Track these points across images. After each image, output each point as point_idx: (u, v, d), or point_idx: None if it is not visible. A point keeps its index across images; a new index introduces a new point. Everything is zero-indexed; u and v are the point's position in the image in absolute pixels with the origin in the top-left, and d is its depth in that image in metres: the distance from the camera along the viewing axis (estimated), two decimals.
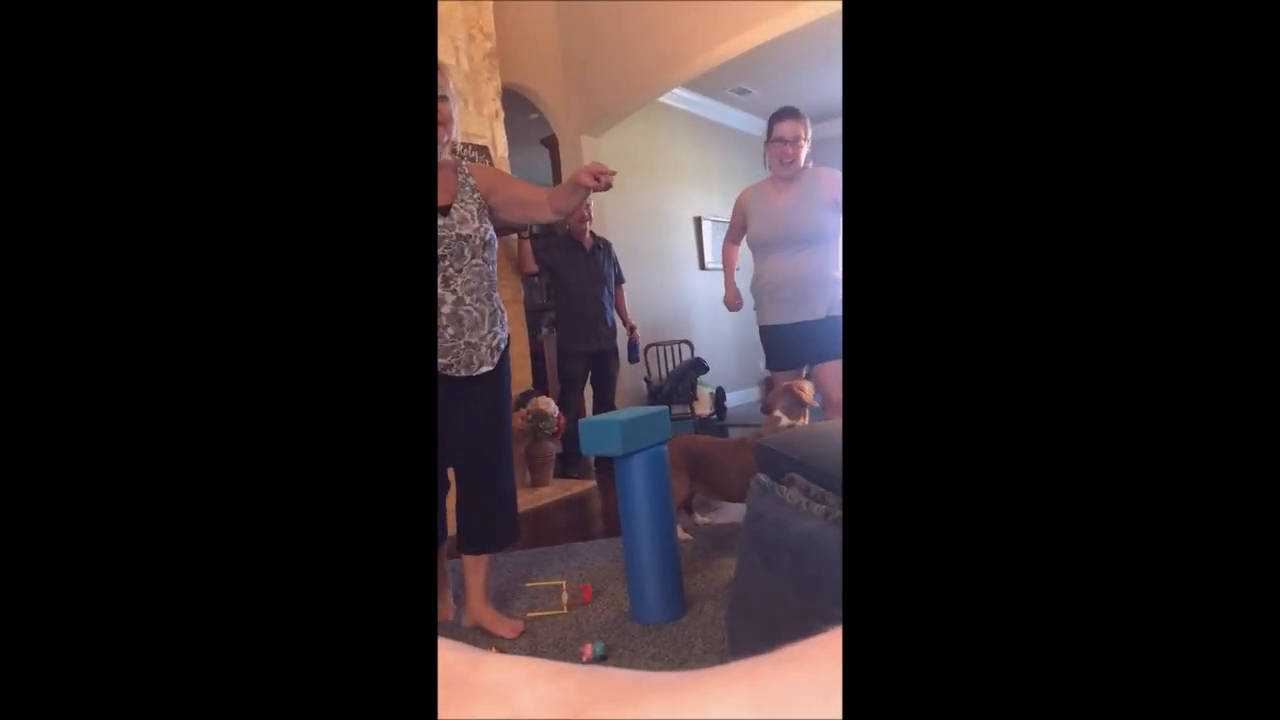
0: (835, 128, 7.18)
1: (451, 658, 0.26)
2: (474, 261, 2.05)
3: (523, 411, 3.84)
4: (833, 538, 1.45)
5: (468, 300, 2.03)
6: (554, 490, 3.97)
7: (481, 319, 2.06)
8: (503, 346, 2.14)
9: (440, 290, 2.00)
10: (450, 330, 2.01)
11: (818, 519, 1.52)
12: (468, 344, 2.03)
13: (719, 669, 0.23)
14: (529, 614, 2.33)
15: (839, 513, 1.50)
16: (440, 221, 2.00)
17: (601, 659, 1.96)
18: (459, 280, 2.02)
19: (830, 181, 2.74)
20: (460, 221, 2.02)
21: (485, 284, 2.08)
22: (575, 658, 1.99)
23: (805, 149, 2.81)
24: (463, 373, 2.04)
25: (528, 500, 3.77)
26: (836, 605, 1.39)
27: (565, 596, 2.43)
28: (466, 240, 2.02)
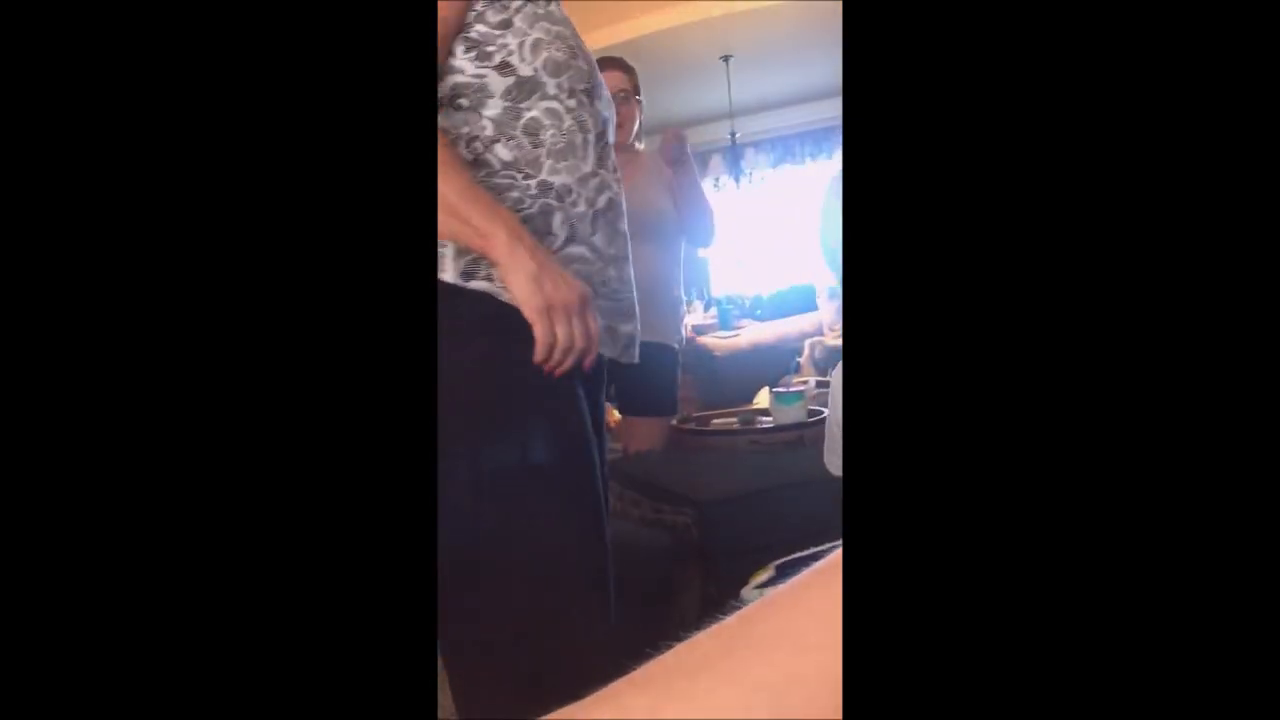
0: (703, 134, 6.57)
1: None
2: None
3: None
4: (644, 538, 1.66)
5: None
6: None
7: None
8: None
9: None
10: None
11: (633, 521, 1.75)
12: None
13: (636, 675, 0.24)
14: None
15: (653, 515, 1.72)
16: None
17: None
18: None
19: (665, 156, 2.02)
20: None
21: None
22: None
23: (640, 113, 2.08)
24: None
25: None
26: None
27: None
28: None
